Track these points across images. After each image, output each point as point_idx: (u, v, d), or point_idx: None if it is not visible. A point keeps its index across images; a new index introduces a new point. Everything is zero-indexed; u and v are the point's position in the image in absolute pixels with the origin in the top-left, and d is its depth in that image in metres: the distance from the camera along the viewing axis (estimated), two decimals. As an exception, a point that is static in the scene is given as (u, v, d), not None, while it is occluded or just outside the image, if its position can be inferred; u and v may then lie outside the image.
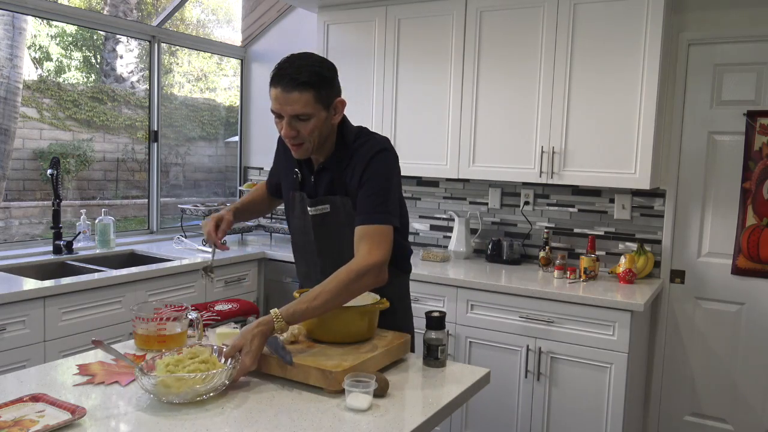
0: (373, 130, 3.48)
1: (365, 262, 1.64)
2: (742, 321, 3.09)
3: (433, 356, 1.74)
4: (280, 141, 1.98)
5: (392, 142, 3.49)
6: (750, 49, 3.00)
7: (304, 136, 1.71)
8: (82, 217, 3.53)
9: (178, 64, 4.50)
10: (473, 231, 3.74)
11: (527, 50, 3.19)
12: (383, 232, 1.71)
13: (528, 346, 2.94)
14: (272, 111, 1.72)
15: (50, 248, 3.29)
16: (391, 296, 1.84)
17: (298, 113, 1.67)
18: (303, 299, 1.60)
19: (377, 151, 1.79)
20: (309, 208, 1.87)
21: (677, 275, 3.24)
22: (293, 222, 1.98)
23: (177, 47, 4.28)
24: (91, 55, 4.22)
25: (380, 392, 1.49)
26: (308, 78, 1.65)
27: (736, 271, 3.08)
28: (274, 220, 4.28)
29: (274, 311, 1.56)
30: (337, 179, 1.83)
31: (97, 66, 4.25)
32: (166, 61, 4.23)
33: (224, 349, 1.52)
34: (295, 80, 1.64)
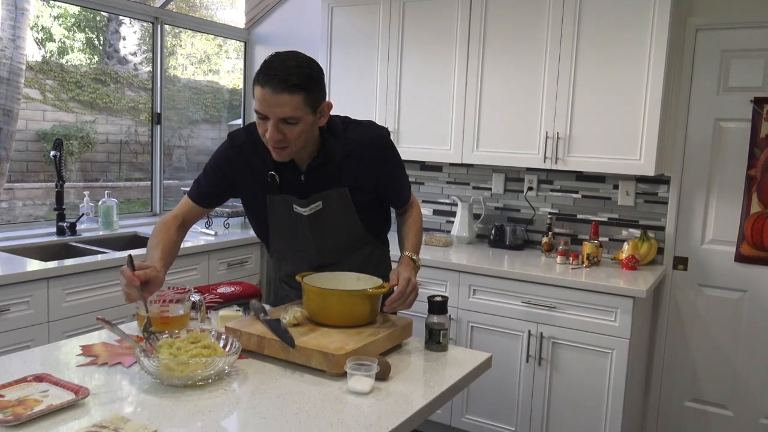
0: (377, 114, 3.50)
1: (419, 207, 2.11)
2: (745, 308, 3.09)
3: (435, 340, 1.75)
4: (234, 149, 1.86)
5: (396, 127, 3.50)
6: (758, 35, 2.97)
7: (290, 139, 1.65)
8: (85, 198, 3.53)
9: (181, 46, 4.47)
10: (476, 216, 3.73)
11: (533, 34, 3.16)
12: (414, 198, 2.11)
13: (530, 331, 2.95)
14: (256, 111, 1.65)
15: (54, 229, 3.29)
16: (385, 274, 1.86)
17: (287, 116, 1.61)
18: (406, 235, 1.97)
19: (386, 142, 1.86)
20: (302, 209, 1.82)
21: (680, 262, 3.23)
22: (276, 224, 1.90)
23: (180, 29, 4.26)
24: (93, 36, 4.19)
25: (382, 375, 1.49)
26: (299, 80, 1.58)
27: (740, 258, 3.07)
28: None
29: (406, 255, 1.87)
30: (332, 172, 1.80)
31: (100, 47, 4.23)
32: (169, 42, 4.20)
33: (395, 283, 1.73)
34: (286, 82, 1.57)
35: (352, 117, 1.91)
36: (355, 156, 1.80)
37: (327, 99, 1.73)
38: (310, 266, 1.92)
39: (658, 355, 3.30)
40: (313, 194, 1.81)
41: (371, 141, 1.82)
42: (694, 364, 3.23)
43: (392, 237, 2.06)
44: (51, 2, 3.85)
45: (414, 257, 1.88)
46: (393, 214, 2.08)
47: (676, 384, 3.28)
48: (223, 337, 1.56)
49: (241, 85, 4.62)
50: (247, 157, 1.84)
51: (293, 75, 1.58)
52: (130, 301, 1.60)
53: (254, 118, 1.70)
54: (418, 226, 2.02)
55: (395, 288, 1.72)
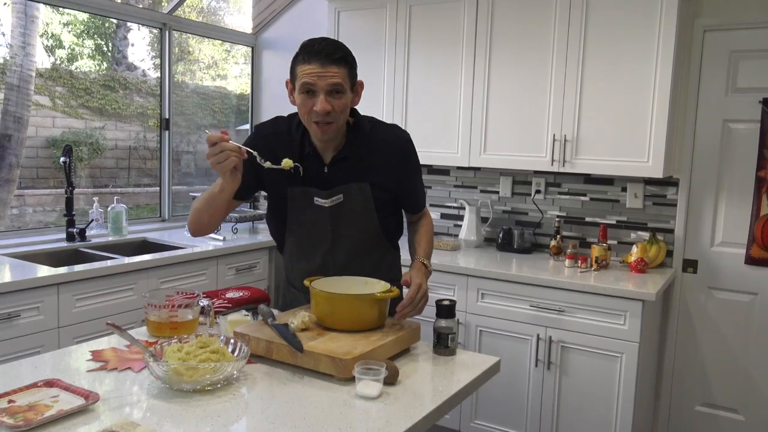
0: (384, 117, 3.50)
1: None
2: (755, 311, 3.07)
3: (443, 344, 1.74)
4: (261, 139, 1.89)
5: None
6: (767, 35, 2.95)
7: (337, 113, 1.73)
8: (94, 204, 3.55)
9: (189, 51, 4.50)
10: (484, 219, 3.72)
11: (540, 36, 3.15)
12: (427, 209, 2.15)
13: (538, 335, 2.94)
14: (305, 86, 1.70)
15: (63, 235, 3.31)
16: (395, 278, 1.89)
17: (337, 83, 1.70)
18: (418, 243, 2.00)
19: (409, 144, 1.94)
20: (323, 200, 1.85)
21: (690, 265, 3.21)
22: (294, 218, 1.91)
23: (188, 34, 4.28)
24: (102, 42, 4.23)
25: (390, 380, 1.49)
26: (342, 54, 1.72)
27: (750, 260, 3.05)
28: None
29: (419, 260, 1.91)
30: (355, 166, 1.85)
31: (109, 54, 4.26)
32: (177, 48, 4.23)
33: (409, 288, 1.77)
34: (331, 56, 1.69)
35: None
36: (379, 153, 1.87)
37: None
38: (323, 263, 1.92)
39: (668, 359, 3.28)
40: (335, 186, 1.85)
41: (395, 140, 1.91)
42: (705, 368, 3.20)
43: (403, 244, 2.08)
44: (60, 9, 3.88)
45: (426, 262, 1.92)
46: (405, 223, 2.11)
47: (686, 388, 3.25)
48: (232, 341, 1.56)
49: (249, 90, 4.64)
50: (272, 148, 1.86)
51: (336, 50, 1.72)
52: (232, 165, 1.66)
53: (281, 112, 1.78)
54: (430, 235, 2.07)
55: (406, 288, 1.74)
